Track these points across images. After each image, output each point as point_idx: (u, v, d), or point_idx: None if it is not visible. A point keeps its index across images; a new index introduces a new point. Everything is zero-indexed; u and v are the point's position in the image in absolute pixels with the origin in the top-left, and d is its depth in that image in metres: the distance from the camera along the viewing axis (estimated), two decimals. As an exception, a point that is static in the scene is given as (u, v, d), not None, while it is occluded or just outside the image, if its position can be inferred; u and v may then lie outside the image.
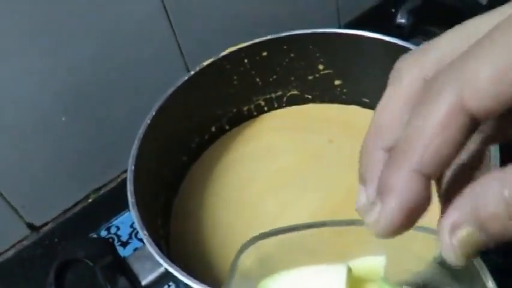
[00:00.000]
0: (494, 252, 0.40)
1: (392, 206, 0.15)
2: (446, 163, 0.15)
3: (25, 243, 0.52)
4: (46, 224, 0.53)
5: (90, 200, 0.54)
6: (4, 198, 0.49)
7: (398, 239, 0.16)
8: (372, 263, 0.19)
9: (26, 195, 0.50)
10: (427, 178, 0.15)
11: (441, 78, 0.15)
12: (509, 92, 0.14)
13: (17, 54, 0.43)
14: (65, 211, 0.53)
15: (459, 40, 0.16)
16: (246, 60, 0.46)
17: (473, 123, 0.15)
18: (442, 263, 0.18)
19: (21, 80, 0.44)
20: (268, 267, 0.20)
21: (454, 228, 0.14)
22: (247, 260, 0.20)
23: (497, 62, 0.14)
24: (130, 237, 0.49)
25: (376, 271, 0.19)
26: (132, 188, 0.38)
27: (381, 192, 0.15)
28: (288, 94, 0.50)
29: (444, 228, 0.14)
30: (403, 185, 0.15)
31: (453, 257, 0.15)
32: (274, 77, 0.48)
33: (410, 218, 0.15)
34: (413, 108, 0.15)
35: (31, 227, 0.52)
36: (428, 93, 0.15)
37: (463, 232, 0.14)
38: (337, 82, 0.48)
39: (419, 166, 0.14)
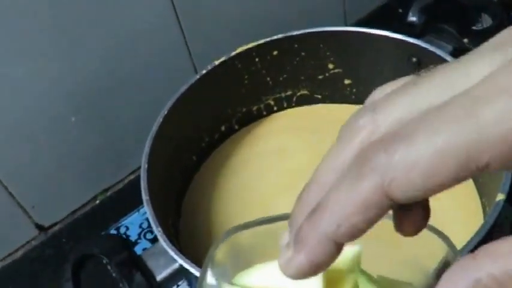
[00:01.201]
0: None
1: (302, 259, 0.15)
2: (361, 234, 0.15)
3: (33, 243, 0.52)
4: (55, 224, 0.52)
5: (98, 201, 0.53)
6: (14, 199, 0.49)
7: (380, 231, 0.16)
8: (348, 253, 0.19)
9: (36, 195, 0.50)
10: (340, 244, 0.15)
11: (372, 156, 0.14)
12: (440, 183, 0.13)
13: (27, 54, 0.43)
14: (74, 212, 0.53)
15: (421, 100, 0.15)
16: (257, 59, 0.46)
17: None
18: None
19: (31, 81, 0.44)
20: (244, 261, 0.20)
21: None
22: (222, 253, 0.20)
23: (430, 151, 0.13)
24: (139, 237, 0.48)
25: (354, 261, 0.19)
26: (146, 186, 0.38)
27: (296, 241, 0.16)
28: (298, 94, 0.50)
29: None
30: (315, 244, 0.15)
31: None
32: (285, 76, 0.48)
33: (316, 270, 0.16)
34: (343, 174, 0.15)
35: (40, 227, 0.52)
36: (358, 168, 0.14)
37: None
38: (346, 81, 0.49)
39: (333, 236, 0.15)
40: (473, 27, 0.49)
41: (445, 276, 0.14)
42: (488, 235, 0.32)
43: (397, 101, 0.15)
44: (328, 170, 0.16)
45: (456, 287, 0.13)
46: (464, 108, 0.13)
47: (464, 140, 0.13)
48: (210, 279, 0.20)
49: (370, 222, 0.14)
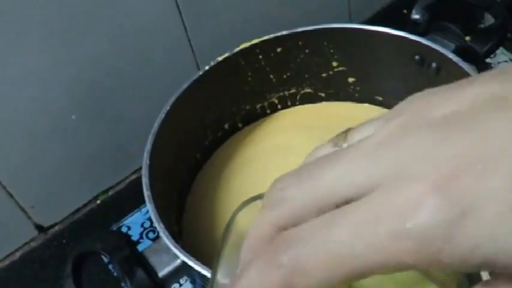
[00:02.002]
0: None
1: None
2: None
3: (33, 244, 0.51)
4: (55, 225, 0.52)
5: (99, 201, 0.53)
6: (13, 199, 0.48)
7: None
8: None
9: (35, 195, 0.49)
10: None
11: (277, 255, 0.15)
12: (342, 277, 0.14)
13: (26, 51, 0.42)
14: (74, 212, 0.52)
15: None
16: (260, 56, 0.46)
17: None
18: None
19: (30, 78, 0.44)
20: None
21: None
22: (243, 220, 0.20)
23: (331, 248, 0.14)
24: (141, 236, 0.48)
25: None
26: (148, 182, 0.38)
27: None
28: (302, 92, 0.49)
29: None
30: None
31: None
32: (288, 74, 0.48)
33: None
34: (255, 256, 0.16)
35: (39, 228, 0.51)
36: (265, 262, 0.15)
37: None
38: (350, 80, 0.48)
39: None
40: (477, 26, 0.48)
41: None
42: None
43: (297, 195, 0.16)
44: (251, 241, 0.17)
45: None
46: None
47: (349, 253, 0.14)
48: (230, 249, 0.20)
49: None
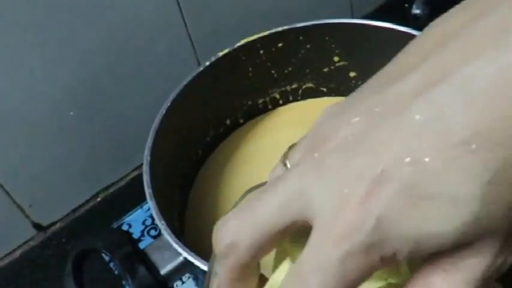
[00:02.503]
0: None
1: None
2: None
3: (32, 244, 0.50)
4: (54, 223, 0.51)
5: (99, 199, 0.52)
6: (10, 197, 0.47)
7: None
8: None
9: (33, 193, 0.48)
10: None
11: None
12: None
13: (24, 47, 0.42)
14: (74, 210, 0.52)
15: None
16: (261, 52, 0.45)
17: None
18: None
19: (28, 74, 0.43)
20: None
21: None
22: None
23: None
24: (142, 234, 0.47)
25: None
26: (149, 179, 0.37)
27: None
28: (304, 87, 0.49)
29: None
30: None
31: None
32: (290, 69, 0.47)
33: None
34: None
35: (38, 227, 0.50)
36: None
37: None
38: (352, 74, 0.48)
39: None
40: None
41: None
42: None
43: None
44: None
45: None
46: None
47: None
48: None
49: None
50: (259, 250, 0.17)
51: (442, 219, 0.14)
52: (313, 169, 0.16)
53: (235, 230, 0.17)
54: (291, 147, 0.19)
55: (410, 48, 0.17)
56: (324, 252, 0.15)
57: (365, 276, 0.15)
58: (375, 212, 0.15)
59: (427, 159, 0.14)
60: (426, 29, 0.17)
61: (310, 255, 0.16)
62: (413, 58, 0.16)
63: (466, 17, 0.16)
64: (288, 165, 0.18)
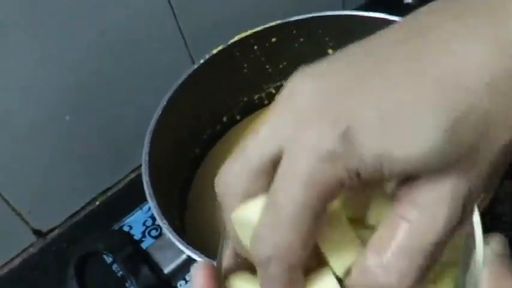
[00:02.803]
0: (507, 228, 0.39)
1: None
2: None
3: (32, 250, 0.50)
4: (53, 229, 0.51)
5: (98, 202, 0.52)
6: (8, 204, 0.47)
7: None
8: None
9: (32, 200, 0.48)
10: None
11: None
12: None
13: (18, 52, 0.41)
14: (73, 215, 0.51)
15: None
16: (255, 47, 0.45)
17: None
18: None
19: (23, 80, 0.43)
20: None
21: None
22: None
23: None
24: (143, 235, 0.47)
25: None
26: (148, 180, 0.37)
27: None
28: (299, 81, 0.49)
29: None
30: None
31: None
32: (284, 63, 0.47)
33: None
34: None
35: (37, 233, 0.50)
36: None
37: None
38: (347, 67, 0.48)
39: None
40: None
41: None
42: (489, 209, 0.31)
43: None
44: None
45: None
46: None
47: None
48: None
49: None
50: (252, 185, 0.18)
51: (406, 144, 0.15)
52: (287, 111, 0.17)
53: (229, 176, 0.19)
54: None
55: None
56: (296, 161, 0.16)
57: (333, 190, 0.16)
58: (343, 123, 0.15)
59: (402, 91, 0.15)
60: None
61: (284, 164, 0.16)
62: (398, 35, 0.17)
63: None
64: None
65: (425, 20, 0.17)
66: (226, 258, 0.20)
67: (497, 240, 0.18)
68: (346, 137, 0.15)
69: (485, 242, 0.18)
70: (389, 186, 0.17)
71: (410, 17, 0.18)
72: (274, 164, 0.17)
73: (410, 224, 0.16)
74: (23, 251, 0.50)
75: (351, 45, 0.18)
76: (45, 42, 0.42)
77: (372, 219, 0.19)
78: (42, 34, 0.42)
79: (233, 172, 0.19)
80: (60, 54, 0.44)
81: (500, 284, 0.17)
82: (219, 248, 0.20)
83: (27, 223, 0.49)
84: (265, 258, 0.16)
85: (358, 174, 0.16)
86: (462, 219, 0.16)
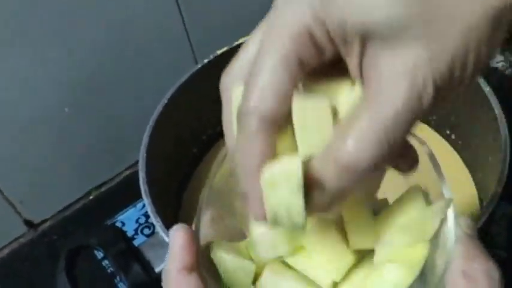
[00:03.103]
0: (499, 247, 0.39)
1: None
2: None
3: (22, 241, 0.49)
4: (45, 221, 0.50)
5: (92, 197, 0.51)
6: (1, 193, 0.46)
7: None
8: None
9: (25, 190, 0.48)
10: None
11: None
12: None
13: (20, 43, 0.41)
14: (66, 208, 0.51)
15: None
16: (259, 50, 0.45)
17: None
18: None
19: (23, 71, 0.42)
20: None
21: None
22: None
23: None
24: (136, 232, 0.47)
25: None
26: (145, 176, 0.37)
27: None
28: (301, 86, 0.49)
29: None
30: None
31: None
32: (287, 68, 0.47)
33: None
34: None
35: (29, 224, 0.50)
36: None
37: None
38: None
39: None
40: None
41: None
42: (484, 228, 0.31)
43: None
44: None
45: None
46: None
47: None
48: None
49: None
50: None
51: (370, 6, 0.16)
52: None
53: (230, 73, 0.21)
54: None
55: None
56: (276, 22, 0.17)
57: (305, 44, 0.17)
58: None
59: None
60: None
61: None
62: None
63: None
64: None
65: None
66: (205, 226, 0.20)
67: (466, 222, 0.19)
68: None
69: (456, 223, 0.19)
70: (353, 63, 0.17)
71: None
72: None
73: (371, 104, 0.16)
74: (13, 240, 0.49)
75: None
76: (48, 39, 0.42)
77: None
78: (45, 32, 0.42)
79: (236, 66, 0.20)
80: (63, 49, 0.43)
81: (470, 261, 0.18)
82: (197, 215, 0.20)
83: (19, 213, 0.48)
84: (243, 113, 0.17)
85: (326, 30, 0.16)
86: (422, 103, 0.16)
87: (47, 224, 0.50)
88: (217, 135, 0.47)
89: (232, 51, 0.43)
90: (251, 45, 0.20)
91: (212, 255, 0.20)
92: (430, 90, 0.16)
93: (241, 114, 0.17)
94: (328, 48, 0.17)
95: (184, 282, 0.18)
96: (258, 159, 0.17)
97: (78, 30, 0.43)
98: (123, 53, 0.47)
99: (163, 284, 0.19)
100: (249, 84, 0.17)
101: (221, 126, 0.51)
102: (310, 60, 0.17)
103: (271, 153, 0.17)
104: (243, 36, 0.44)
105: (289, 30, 0.17)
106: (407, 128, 0.16)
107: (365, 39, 0.16)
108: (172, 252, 0.19)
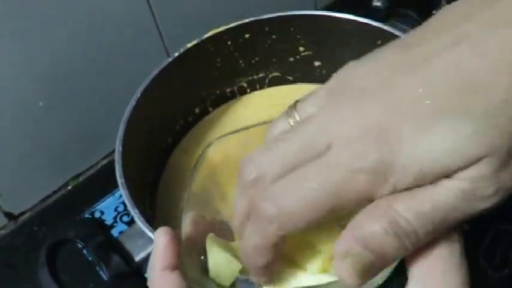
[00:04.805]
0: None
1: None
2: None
3: (3, 232, 0.51)
4: (24, 212, 0.51)
5: (70, 187, 0.53)
6: (-20, 187, 0.47)
7: None
8: None
9: (3, 183, 0.49)
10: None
11: (263, 209, 0.20)
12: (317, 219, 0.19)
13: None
14: (45, 198, 0.52)
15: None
16: (229, 42, 0.46)
17: None
18: None
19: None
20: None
21: (346, 253, 0.18)
22: (214, 153, 0.23)
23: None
24: (115, 220, 0.48)
25: None
26: (121, 169, 0.38)
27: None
28: (270, 76, 0.50)
29: (338, 253, 0.19)
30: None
31: (348, 277, 0.18)
32: (257, 59, 0.49)
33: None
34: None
35: (9, 216, 0.51)
36: (256, 218, 0.20)
37: (355, 255, 0.18)
38: (316, 63, 0.50)
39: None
40: (433, 12, 0.50)
41: (365, 210, 0.19)
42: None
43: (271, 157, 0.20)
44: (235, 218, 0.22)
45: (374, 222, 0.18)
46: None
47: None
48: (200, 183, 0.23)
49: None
50: (277, 176, 0.20)
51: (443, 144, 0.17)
52: (332, 111, 0.19)
53: (263, 163, 0.20)
54: (297, 103, 0.22)
55: (431, 21, 0.20)
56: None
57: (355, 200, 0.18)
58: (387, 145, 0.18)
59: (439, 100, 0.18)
60: (447, 7, 0.20)
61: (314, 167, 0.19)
62: (433, 28, 0.19)
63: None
64: (297, 117, 0.21)
65: None
66: (187, 228, 0.23)
67: None
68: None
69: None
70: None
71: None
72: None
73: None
74: (-5, 232, 0.51)
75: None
76: (22, 30, 0.42)
77: None
78: (20, 22, 0.42)
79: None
80: (36, 42, 0.44)
81: (426, 267, 0.19)
82: (179, 218, 0.23)
83: (-1, 206, 0.49)
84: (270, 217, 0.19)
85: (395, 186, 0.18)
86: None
87: (27, 215, 0.51)
88: (190, 124, 0.49)
89: (202, 44, 0.45)
90: (288, 144, 0.21)
91: (207, 246, 0.22)
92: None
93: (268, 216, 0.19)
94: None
95: (167, 280, 0.20)
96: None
97: (48, 24, 0.44)
98: (94, 47, 0.48)
99: (148, 280, 0.21)
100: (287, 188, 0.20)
101: (193, 116, 0.53)
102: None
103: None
104: (213, 29, 0.45)
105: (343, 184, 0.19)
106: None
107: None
108: (157, 252, 0.21)
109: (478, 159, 0.17)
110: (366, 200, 0.19)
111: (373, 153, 0.18)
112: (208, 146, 0.24)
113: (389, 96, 0.18)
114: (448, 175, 0.18)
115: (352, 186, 0.18)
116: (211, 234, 0.23)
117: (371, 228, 0.18)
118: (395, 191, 0.18)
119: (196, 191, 0.23)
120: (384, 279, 0.20)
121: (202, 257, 0.22)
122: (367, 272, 0.18)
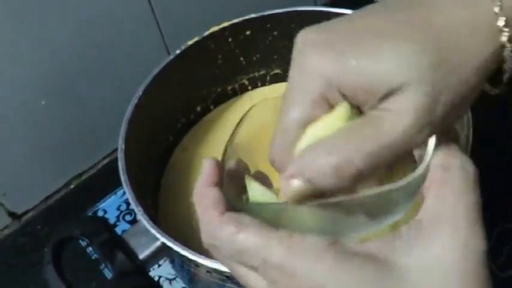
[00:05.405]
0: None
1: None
2: None
3: (6, 232, 0.51)
4: (27, 212, 0.52)
5: (73, 186, 0.53)
6: (-17, 187, 0.47)
7: None
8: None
9: (7, 182, 0.49)
10: None
11: None
12: None
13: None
14: (48, 198, 0.52)
15: None
16: (230, 39, 0.46)
17: None
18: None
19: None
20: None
21: (290, 179, 0.20)
22: (257, 113, 0.25)
23: None
24: (118, 219, 0.48)
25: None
26: (124, 167, 0.38)
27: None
28: (271, 73, 0.51)
29: (282, 178, 0.20)
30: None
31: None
32: (258, 56, 0.49)
33: None
34: None
35: (12, 215, 0.51)
36: None
37: (295, 183, 0.20)
38: (318, 60, 0.50)
39: None
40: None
41: None
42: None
43: None
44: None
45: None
46: None
47: None
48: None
49: None
50: None
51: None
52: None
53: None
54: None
55: None
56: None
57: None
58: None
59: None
60: None
61: None
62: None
63: None
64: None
65: None
66: (229, 164, 0.24)
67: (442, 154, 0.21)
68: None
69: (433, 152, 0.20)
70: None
71: None
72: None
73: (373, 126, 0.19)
74: (-2, 232, 0.51)
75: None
76: (24, 29, 0.42)
77: None
78: (22, 21, 0.42)
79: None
80: (38, 42, 0.44)
81: (447, 156, 0.20)
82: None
83: (2, 205, 0.50)
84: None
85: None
86: (419, 134, 0.19)
87: (30, 214, 0.51)
88: (191, 122, 0.49)
89: (203, 41, 0.45)
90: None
91: (247, 182, 0.23)
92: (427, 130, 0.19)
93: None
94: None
95: (206, 192, 0.22)
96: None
97: (50, 22, 0.44)
98: (94, 45, 0.48)
99: (193, 194, 0.23)
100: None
101: (194, 114, 0.53)
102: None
103: None
104: (214, 26, 0.45)
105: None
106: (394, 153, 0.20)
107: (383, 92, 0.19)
108: (202, 173, 0.23)
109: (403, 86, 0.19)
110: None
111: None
112: (253, 106, 0.25)
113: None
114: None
115: None
116: (250, 175, 0.24)
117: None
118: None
119: (238, 142, 0.25)
120: (402, 213, 0.21)
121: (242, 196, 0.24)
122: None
